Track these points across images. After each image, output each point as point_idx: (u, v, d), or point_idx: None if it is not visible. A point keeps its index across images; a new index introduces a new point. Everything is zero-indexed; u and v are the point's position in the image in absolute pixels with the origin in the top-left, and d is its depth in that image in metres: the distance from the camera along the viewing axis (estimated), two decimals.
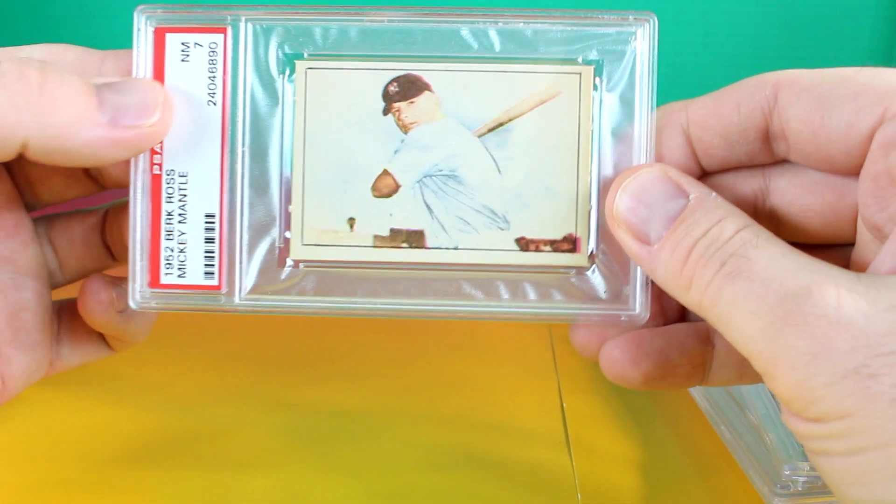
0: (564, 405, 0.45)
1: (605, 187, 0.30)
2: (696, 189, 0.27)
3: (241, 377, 0.48)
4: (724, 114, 0.29)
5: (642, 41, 0.30)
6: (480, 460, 0.41)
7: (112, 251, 0.34)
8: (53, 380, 0.34)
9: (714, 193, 0.27)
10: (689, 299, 0.26)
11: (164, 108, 0.29)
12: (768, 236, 0.26)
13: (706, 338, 0.31)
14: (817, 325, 0.23)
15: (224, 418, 0.44)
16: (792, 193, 0.30)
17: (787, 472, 0.37)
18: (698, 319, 0.31)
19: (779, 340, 0.23)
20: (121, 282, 0.32)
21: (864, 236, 0.28)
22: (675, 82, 0.40)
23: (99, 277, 0.32)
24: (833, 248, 0.30)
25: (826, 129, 0.27)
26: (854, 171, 0.28)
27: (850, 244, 0.29)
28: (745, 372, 0.31)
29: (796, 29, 0.51)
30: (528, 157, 0.31)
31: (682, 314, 0.32)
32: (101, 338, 0.34)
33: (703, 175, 0.31)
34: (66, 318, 0.33)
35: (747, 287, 0.25)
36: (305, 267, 0.31)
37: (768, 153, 0.30)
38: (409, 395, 0.47)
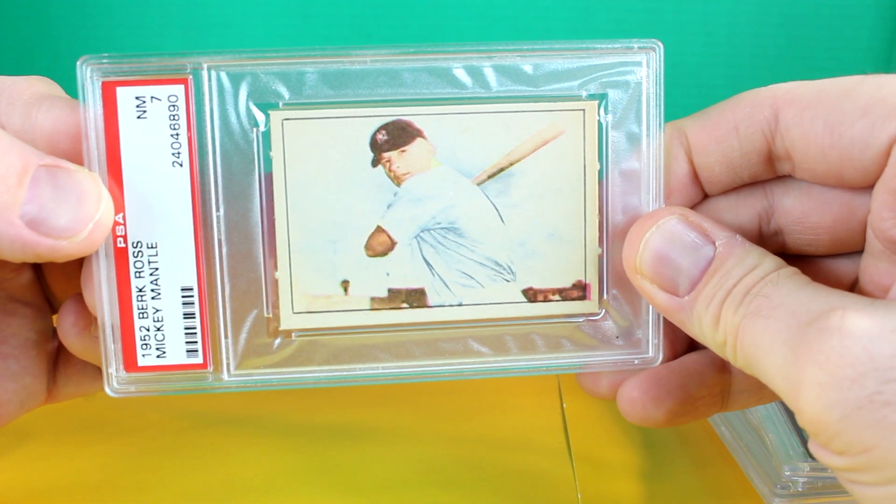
0: (564, 405, 0.45)
1: (614, 230, 0.29)
2: (721, 234, 0.26)
3: (234, 401, 0.46)
4: (722, 138, 0.28)
5: (648, 71, 0.28)
6: (480, 463, 0.40)
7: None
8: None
9: (739, 236, 0.26)
10: (726, 353, 0.25)
11: (98, 225, 0.26)
12: (789, 273, 0.25)
13: (722, 366, 0.30)
14: (821, 353, 0.22)
15: (218, 444, 0.42)
16: (799, 211, 0.29)
17: (787, 473, 0.36)
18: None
19: (793, 375, 0.23)
20: None
21: (873, 247, 0.27)
22: (675, 82, 0.39)
23: (77, 299, 0.30)
24: (840, 257, 0.30)
25: (837, 147, 0.26)
26: (867, 185, 0.27)
27: (858, 251, 0.29)
28: (764, 394, 0.30)
29: (796, 29, 0.50)
30: (531, 202, 0.28)
31: (691, 343, 0.31)
32: (98, 368, 0.31)
33: (704, 198, 0.29)
34: (63, 346, 0.31)
35: (765, 325, 0.24)
36: (298, 336, 0.28)
37: (770, 171, 0.29)
38: (407, 399, 0.46)
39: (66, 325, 0.29)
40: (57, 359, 0.32)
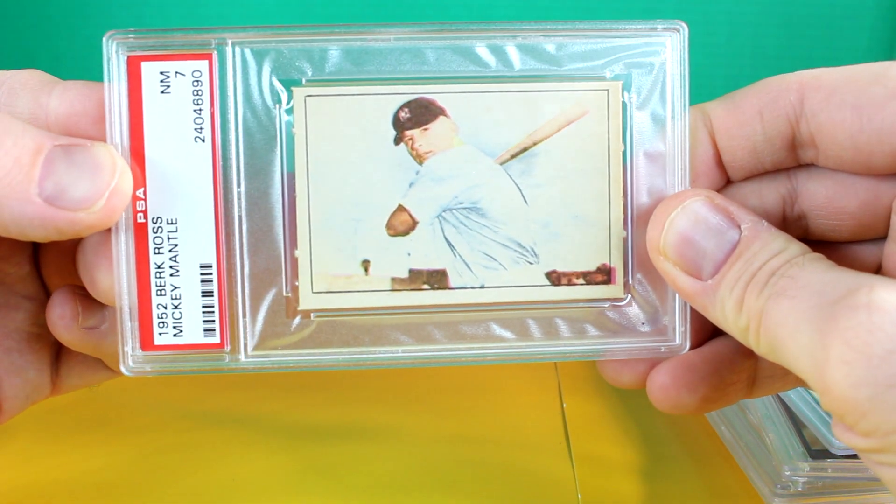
0: (564, 405, 0.44)
1: (639, 212, 0.28)
2: (746, 218, 0.26)
3: (233, 400, 0.45)
4: (746, 122, 0.28)
5: (672, 52, 0.28)
6: (480, 462, 0.40)
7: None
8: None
9: (764, 221, 0.26)
10: (749, 338, 0.25)
11: (115, 193, 0.25)
12: (815, 257, 0.25)
13: (750, 351, 0.29)
14: (848, 330, 0.21)
15: (217, 444, 0.41)
16: (823, 196, 0.28)
17: (788, 473, 0.36)
18: None
19: (819, 354, 0.22)
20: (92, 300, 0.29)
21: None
22: None
23: (65, 290, 0.29)
24: (863, 243, 0.29)
25: (866, 132, 0.26)
26: (894, 171, 0.26)
27: (882, 237, 0.28)
28: (788, 379, 0.30)
29: (796, 29, 0.51)
30: (555, 183, 0.28)
31: (713, 331, 0.30)
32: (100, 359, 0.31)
33: (728, 184, 0.29)
34: None
35: (790, 305, 0.23)
36: (317, 317, 0.28)
37: (793, 159, 0.28)
38: (406, 397, 0.46)
39: (54, 317, 0.29)
40: (59, 351, 0.31)
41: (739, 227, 0.26)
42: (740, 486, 0.39)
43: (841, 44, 0.52)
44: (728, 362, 0.29)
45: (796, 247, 0.25)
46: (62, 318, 0.29)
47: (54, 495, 0.37)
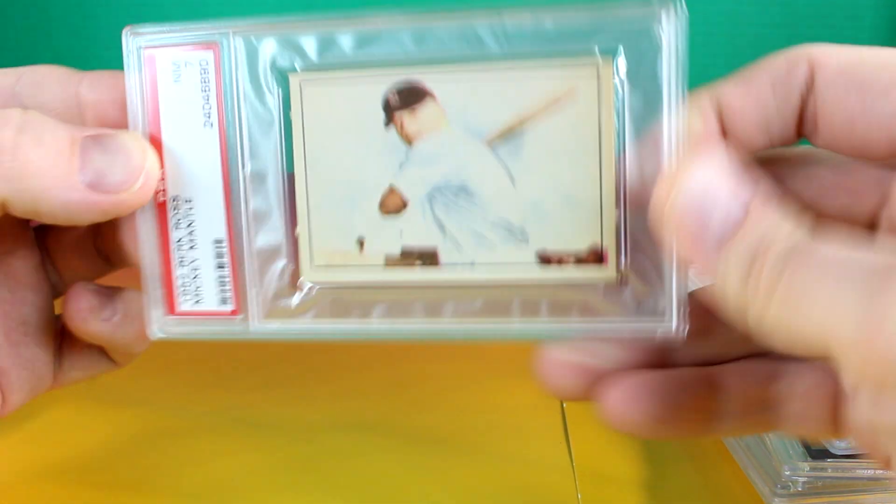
0: (564, 405, 0.44)
1: (632, 193, 0.27)
2: (758, 186, 0.24)
3: (230, 400, 0.47)
4: (759, 97, 0.26)
5: (668, 24, 0.26)
6: (478, 464, 0.41)
7: (109, 257, 0.33)
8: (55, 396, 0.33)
9: (777, 191, 0.25)
10: (754, 309, 0.23)
11: (148, 175, 0.28)
12: (830, 229, 0.23)
13: (713, 381, 0.28)
14: None
15: (212, 445, 0.43)
16: (806, 198, 0.27)
17: (788, 473, 0.36)
18: (699, 364, 0.28)
19: (868, 317, 0.19)
20: (110, 290, 0.31)
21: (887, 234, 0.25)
22: None
23: (82, 284, 0.31)
24: None
25: (868, 115, 0.24)
26: (888, 157, 0.25)
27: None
28: (762, 419, 0.28)
29: (796, 29, 0.48)
30: (544, 163, 0.28)
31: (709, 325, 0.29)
32: (102, 351, 0.33)
33: None
34: (67, 331, 0.32)
35: (817, 273, 0.21)
36: (317, 290, 0.30)
37: (797, 134, 0.26)
38: (400, 399, 0.46)
39: (72, 311, 0.30)
40: (61, 344, 0.33)
41: (752, 193, 0.24)
42: (740, 486, 0.38)
43: (841, 43, 0.47)
44: (682, 384, 0.27)
45: (809, 218, 0.23)
46: (80, 311, 0.30)
47: (55, 475, 0.40)
